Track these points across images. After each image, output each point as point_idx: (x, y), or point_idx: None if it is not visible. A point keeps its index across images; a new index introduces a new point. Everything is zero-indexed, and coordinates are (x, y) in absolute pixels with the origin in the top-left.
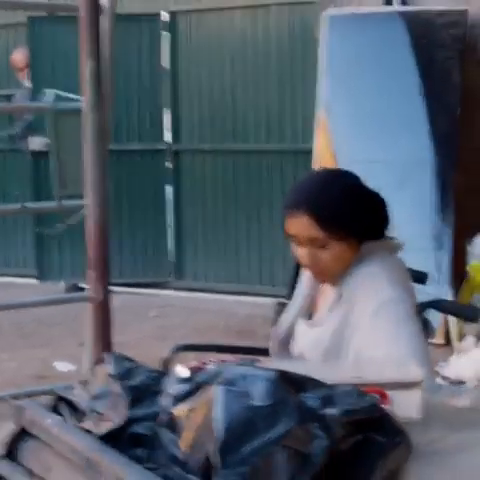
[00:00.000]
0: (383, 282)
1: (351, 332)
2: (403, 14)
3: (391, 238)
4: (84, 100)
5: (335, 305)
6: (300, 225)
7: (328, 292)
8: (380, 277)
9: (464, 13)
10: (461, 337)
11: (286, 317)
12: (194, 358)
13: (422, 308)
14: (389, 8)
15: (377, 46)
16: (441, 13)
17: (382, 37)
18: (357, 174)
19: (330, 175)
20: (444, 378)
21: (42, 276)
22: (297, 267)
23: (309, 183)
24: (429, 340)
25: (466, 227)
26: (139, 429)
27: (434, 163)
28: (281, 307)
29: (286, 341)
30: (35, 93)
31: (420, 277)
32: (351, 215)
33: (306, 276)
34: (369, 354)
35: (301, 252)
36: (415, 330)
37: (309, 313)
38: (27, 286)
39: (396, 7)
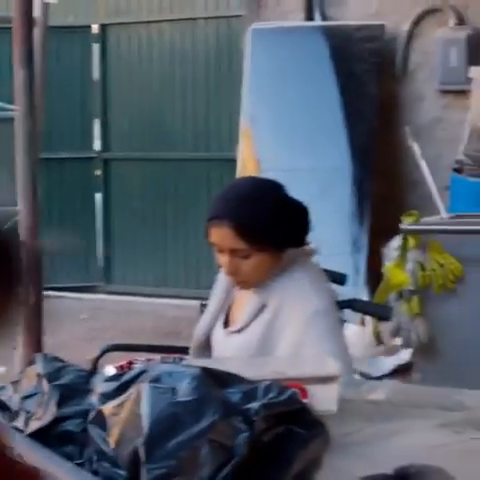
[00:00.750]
0: (310, 292)
1: (277, 340)
2: (324, 28)
3: (307, 243)
4: (16, 109)
5: (259, 313)
6: (222, 235)
7: (246, 299)
8: (306, 286)
9: (381, 28)
10: (377, 335)
11: (204, 319)
12: (122, 358)
13: (338, 307)
14: (311, 23)
15: (299, 59)
16: (359, 28)
17: (304, 50)
18: (280, 182)
19: (254, 187)
20: (361, 373)
21: None
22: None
23: (232, 194)
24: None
25: (382, 232)
26: (69, 426)
27: (352, 171)
28: (205, 308)
29: (205, 344)
30: None
31: (339, 278)
32: (273, 227)
33: (222, 279)
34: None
35: (223, 260)
36: (342, 340)
37: (224, 317)
38: None
39: (317, 22)
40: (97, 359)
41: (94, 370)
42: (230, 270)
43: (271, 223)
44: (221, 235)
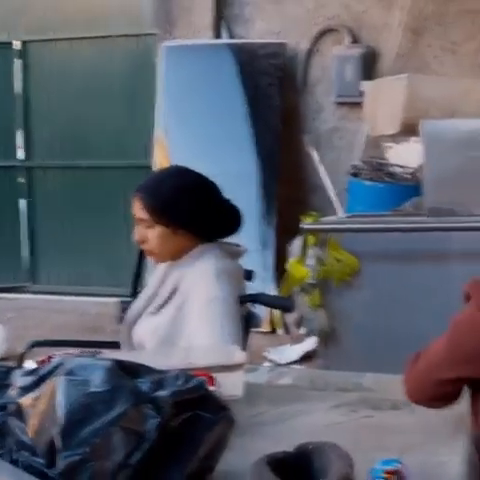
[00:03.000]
0: (213, 281)
1: (184, 323)
2: (231, 46)
3: (236, 245)
4: None
5: (172, 295)
6: (135, 207)
7: (169, 281)
8: (211, 276)
9: (283, 46)
10: (283, 325)
11: (135, 304)
12: (45, 354)
13: (244, 301)
14: (218, 40)
15: (209, 73)
16: (263, 45)
17: (213, 65)
18: (208, 179)
19: (173, 170)
20: (270, 361)
21: None
22: (138, 269)
23: (153, 174)
24: (256, 329)
25: (287, 231)
26: None
27: (259, 176)
28: (124, 305)
29: (131, 328)
30: None
31: (248, 275)
32: (175, 205)
33: (158, 268)
34: (197, 343)
35: (135, 230)
36: (234, 329)
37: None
38: None
39: (225, 40)
40: (22, 355)
41: (20, 366)
42: (137, 238)
43: (169, 201)
44: (134, 206)
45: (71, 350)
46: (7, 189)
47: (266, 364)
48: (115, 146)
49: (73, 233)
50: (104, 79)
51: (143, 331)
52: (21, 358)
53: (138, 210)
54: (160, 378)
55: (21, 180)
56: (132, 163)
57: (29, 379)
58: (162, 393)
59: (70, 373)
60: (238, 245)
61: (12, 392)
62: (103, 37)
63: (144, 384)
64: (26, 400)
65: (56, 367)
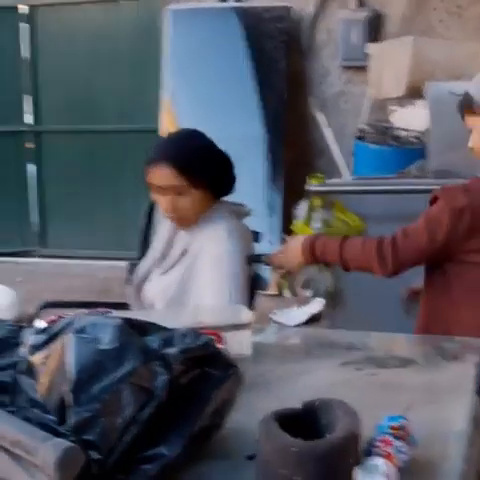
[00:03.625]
0: (225, 237)
1: (192, 283)
2: (236, 9)
3: (241, 205)
4: None
5: (181, 257)
6: (162, 175)
7: (178, 243)
8: (223, 233)
9: (287, 9)
10: (291, 288)
11: (142, 265)
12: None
13: (250, 261)
14: (224, 4)
15: (214, 37)
16: (268, 9)
17: (219, 29)
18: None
19: (188, 133)
20: (277, 323)
21: None
22: (145, 230)
23: (169, 139)
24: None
25: (293, 194)
26: (1, 377)
27: (266, 140)
28: (132, 267)
29: (139, 288)
30: None
31: (255, 236)
32: (205, 166)
33: (164, 226)
34: (206, 301)
35: (163, 200)
36: (239, 287)
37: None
38: None
39: (230, 3)
40: (34, 315)
41: (27, 325)
42: (168, 207)
43: (203, 163)
44: (161, 174)
45: (81, 310)
46: (15, 154)
47: (273, 325)
48: (122, 110)
49: (81, 197)
50: (111, 43)
51: (153, 292)
52: (32, 318)
53: (167, 178)
54: (169, 336)
55: (29, 145)
56: (139, 127)
57: (40, 337)
58: (171, 350)
59: (80, 331)
60: (243, 205)
61: (23, 350)
62: (109, 1)
63: (153, 342)
64: (37, 358)
65: (66, 325)
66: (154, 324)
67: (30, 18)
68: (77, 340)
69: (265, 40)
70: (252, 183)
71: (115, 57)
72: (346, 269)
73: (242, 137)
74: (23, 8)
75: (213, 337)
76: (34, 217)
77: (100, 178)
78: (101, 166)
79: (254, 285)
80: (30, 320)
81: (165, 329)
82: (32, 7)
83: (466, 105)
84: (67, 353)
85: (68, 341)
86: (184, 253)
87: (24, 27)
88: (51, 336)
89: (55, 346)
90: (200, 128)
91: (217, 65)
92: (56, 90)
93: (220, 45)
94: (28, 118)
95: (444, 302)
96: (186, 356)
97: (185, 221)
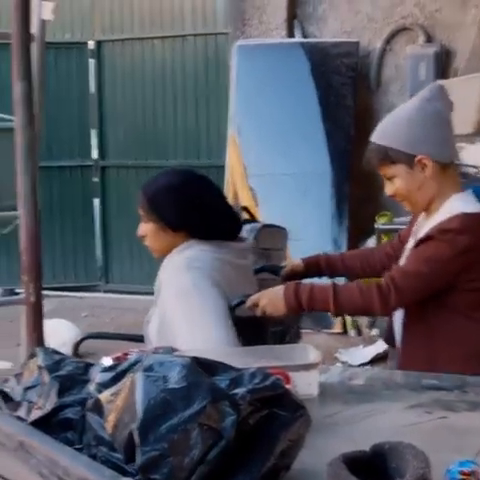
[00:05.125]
0: (183, 272)
1: (168, 321)
2: (303, 45)
3: (240, 239)
4: (15, 120)
5: (158, 292)
6: (139, 201)
7: (158, 278)
8: (181, 267)
9: (355, 44)
10: (354, 327)
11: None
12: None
13: (232, 308)
14: (292, 40)
15: (281, 72)
16: (335, 44)
17: (286, 64)
18: (206, 180)
19: (170, 169)
20: (342, 362)
21: None
22: None
23: (159, 173)
24: (327, 330)
25: (359, 231)
26: (68, 414)
27: (332, 176)
28: None
29: (146, 326)
30: None
31: (274, 269)
32: (160, 202)
33: None
34: (183, 340)
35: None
36: (218, 315)
37: None
38: None
39: (298, 38)
40: (77, 345)
41: (76, 355)
42: (139, 232)
43: (155, 197)
44: (139, 201)
45: (142, 347)
46: (82, 188)
47: (338, 365)
48: (188, 146)
49: None
50: (177, 78)
51: (149, 330)
52: (76, 348)
53: (140, 204)
54: (237, 376)
55: (95, 179)
56: (205, 163)
57: (108, 375)
58: (239, 391)
59: (148, 369)
60: (242, 239)
61: (91, 387)
62: (176, 36)
63: (222, 381)
64: (105, 396)
65: (134, 363)
66: (222, 363)
67: (97, 53)
68: (145, 379)
69: (332, 75)
70: (317, 218)
71: (181, 92)
72: (337, 314)
73: (308, 172)
74: (91, 43)
75: (281, 377)
76: (98, 251)
77: None
78: None
79: (258, 326)
80: (74, 349)
81: (233, 369)
82: (99, 43)
83: (384, 157)
84: (135, 391)
85: (136, 379)
86: (159, 289)
87: (92, 62)
88: (119, 374)
89: (123, 384)
90: (265, 163)
91: (284, 100)
92: (122, 125)
93: (287, 80)
94: (95, 153)
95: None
96: (254, 396)
97: (152, 251)
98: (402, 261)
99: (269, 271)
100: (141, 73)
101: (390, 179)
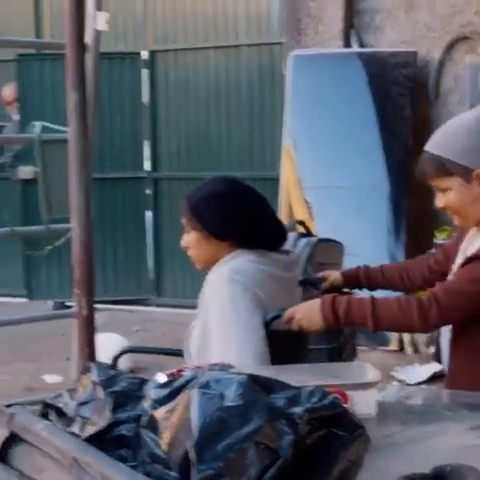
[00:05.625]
0: (223, 284)
1: (208, 335)
2: (360, 55)
3: (287, 253)
4: (69, 130)
5: (202, 302)
6: (182, 210)
7: (203, 290)
8: (222, 277)
9: (414, 54)
10: (412, 344)
11: None
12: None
13: (267, 323)
14: (348, 49)
15: (338, 83)
16: (393, 54)
17: (342, 75)
18: (251, 189)
19: (215, 177)
20: (399, 381)
21: (31, 295)
22: None
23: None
24: (383, 347)
25: (417, 247)
26: (123, 431)
27: (389, 189)
28: None
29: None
30: (24, 125)
31: (315, 283)
32: (203, 210)
33: None
34: (217, 354)
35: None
36: (250, 331)
37: None
38: (17, 305)
39: (354, 48)
40: (116, 359)
41: (114, 368)
42: (182, 243)
43: (198, 205)
44: (182, 210)
45: (198, 364)
46: (134, 200)
47: (394, 383)
48: (242, 157)
49: None
50: (231, 88)
51: (190, 341)
52: (114, 362)
53: (183, 213)
54: (295, 394)
55: (147, 191)
56: (259, 175)
57: (163, 391)
58: (297, 409)
59: (204, 386)
60: (287, 251)
61: (145, 404)
62: (230, 46)
63: (279, 400)
64: (160, 412)
65: (190, 380)
66: (279, 381)
67: (150, 64)
68: (201, 396)
69: (390, 86)
70: (373, 233)
71: (235, 103)
72: (375, 329)
73: (364, 185)
74: (144, 54)
75: (339, 396)
76: (150, 264)
77: None
78: None
79: (298, 341)
80: (113, 363)
81: (290, 387)
82: (152, 53)
83: (439, 168)
84: (191, 409)
85: (192, 397)
86: (201, 303)
87: (145, 73)
88: (174, 390)
89: (178, 401)
90: (321, 175)
91: (340, 111)
92: (175, 136)
93: (343, 91)
94: (147, 164)
95: None
96: (312, 415)
97: (195, 262)
98: (449, 278)
99: (309, 284)
100: (194, 83)
101: (443, 191)
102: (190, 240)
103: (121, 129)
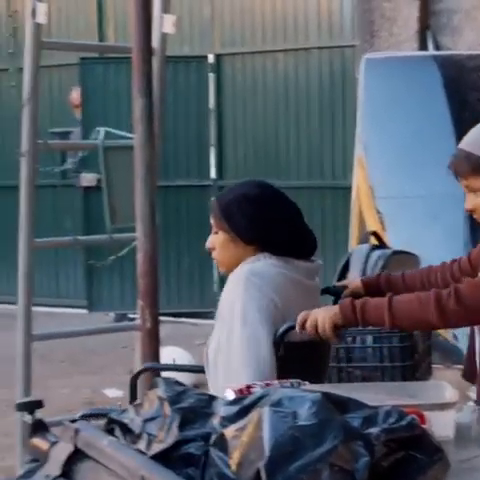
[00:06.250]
0: (239, 286)
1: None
2: (436, 57)
3: (312, 261)
4: (135, 137)
5: (219, 306)
6: (211, 211)
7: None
8: (240, 279)
9: None
10: None
11: None
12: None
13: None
14: (424, 52)
15: (412, 87)
16: (472, 57)
17: (417, 79)
18: (283, 195)
19: (248, 180)
20: (475, 401)
21: (92, 307)
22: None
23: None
24: (460, 365)
25: None
26: (190, 449)
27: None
28: None
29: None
30: (87, 130)
31: (336, 291)
32: (233, 212)
33: None
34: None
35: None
36: (258, 341)
37: None
38: (78, 316)
39: (430, 51)
40: (135, 378)
41: (133, 387)
42: (207, 244)
43: (228, 207)
44: (211, 211)
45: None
46: (199, 209)
47: (470, 404)
48: (311, 165)
49: None
50: (300, 93)
51: (209, 352)
52: (134, 381)
53: (212, 213)
54: (371, 414)
55: (213, 200)
56: (329, 183)
57: (232, 409)
58: (373, 430)
59: (276, 404)
60: (312, 260)
61: (214, 422)
62: (299, 49)
63: (354, 419)
64: (229, 431)
65: (261, 397)
66: (354, 400)
67: (217, 67)
68: (273, 414)
69: (467, 91)
70: (448, 245)
71: (305, 108)
72: (393, 326)
73: (438, 194)
74: (211, 57)
75: (417, 417)
76: (215, 276)
77: None
78: None
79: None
80: (132, 381)
81: (366, 406)
82: (219, 56)
83: (471, 167)
84: (262, 428)
85: (264, 415)
86: (219, 306)
87: (211, 77)
88: (244, 408)
89: (249, 419)
90: (394, 184)
91: (414, 117)
92: (242, 143)
93: (418, 96)
94: (213, 172)
95: None
96: (389, 437)
97: (219, 264)
98: None
99: (331, 293)
100: (262, 88)
101: (475, 191)
102: (217, 241)
103: (186, 135)
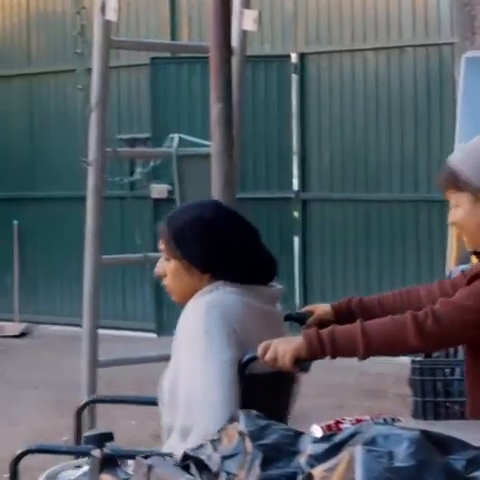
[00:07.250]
0: (200, 313)
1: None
2: None
3: (271, 286)
4: (212, 144)
5: (174, 341)
6: (161, 235)
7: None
8: (199, 309)
9: None
10: None
11: None
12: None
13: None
14: None
15: None
16: None
17: None
18: (239, 216)
19: (200, 201)
20: None
21: (161, 331)
22: None
23: (183, 205)
24: None
25: None
26: None
27: None
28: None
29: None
30: (158, 137)
31: (300, 318)
32: (186, 238)
33: None
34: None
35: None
36: (223, 372)
37: None
38: (146, 340)
39: None
40: (80, 410)
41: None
42: (157, 270)
43: (181, 232)
44: (161, 236)
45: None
46: (279, 224)
47: None
48: (404, 176)
49: (352, 276)
50: (393, 96)
51: (163, 385)
52: (80, 413)
53: (162, 239)
54: (476, 455)
55: (295, 214)
56: (425, 197)
57: (321, 446)
58: (479, 474)
59: (370, 443)
60: (272, 286)
61: (301, 460)
62: (392, 48)
63: (457, 461)
64: (318, 471)
65: (353, 434)
66: (457, 439)
67: (300, 67)
68: (367, 454)
69: None
70: None
71: (398, 112)
72: (367, 353)
73: None
74: (294, 56)
75: None
76: (298, 296)
77: (375, 255)
78: (376, 241)
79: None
80: (77, 415)
81: (471, 447)
82: (303, 55)
83: (451, 182)
84: (355, 468)
85: (356, 454)
86: (174, 341)
87: (294, 78)
88: (334, 446)
89: (340, 459)
90: None
91: None
92: (327, 151)
93: None
94: (295, 183)
95: None
96: None
97: (171, 293)
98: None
99: (294, 319)
100: (351, 90)
101: (454, 206)
102: (168, 269)
103: (266, 142)
